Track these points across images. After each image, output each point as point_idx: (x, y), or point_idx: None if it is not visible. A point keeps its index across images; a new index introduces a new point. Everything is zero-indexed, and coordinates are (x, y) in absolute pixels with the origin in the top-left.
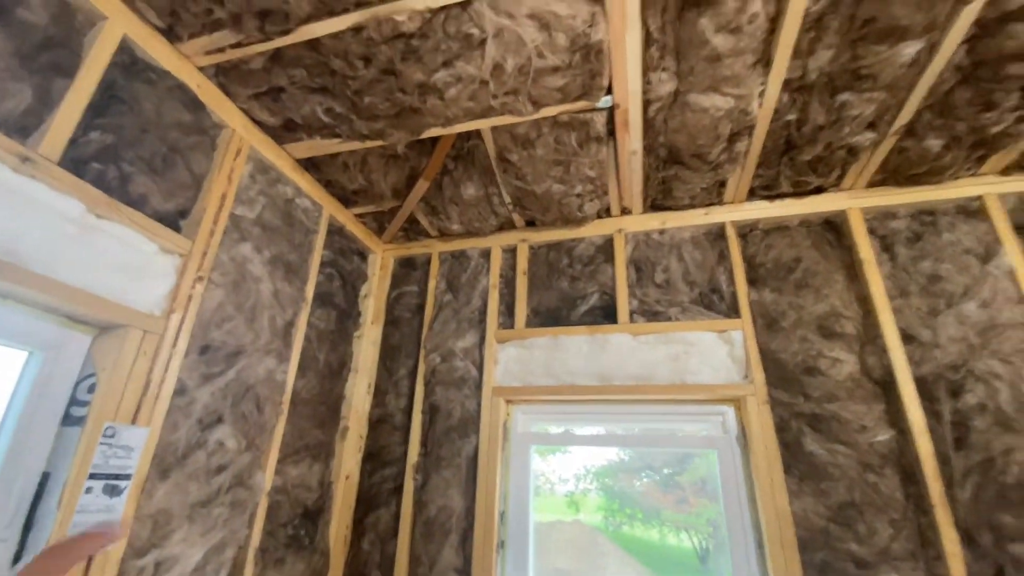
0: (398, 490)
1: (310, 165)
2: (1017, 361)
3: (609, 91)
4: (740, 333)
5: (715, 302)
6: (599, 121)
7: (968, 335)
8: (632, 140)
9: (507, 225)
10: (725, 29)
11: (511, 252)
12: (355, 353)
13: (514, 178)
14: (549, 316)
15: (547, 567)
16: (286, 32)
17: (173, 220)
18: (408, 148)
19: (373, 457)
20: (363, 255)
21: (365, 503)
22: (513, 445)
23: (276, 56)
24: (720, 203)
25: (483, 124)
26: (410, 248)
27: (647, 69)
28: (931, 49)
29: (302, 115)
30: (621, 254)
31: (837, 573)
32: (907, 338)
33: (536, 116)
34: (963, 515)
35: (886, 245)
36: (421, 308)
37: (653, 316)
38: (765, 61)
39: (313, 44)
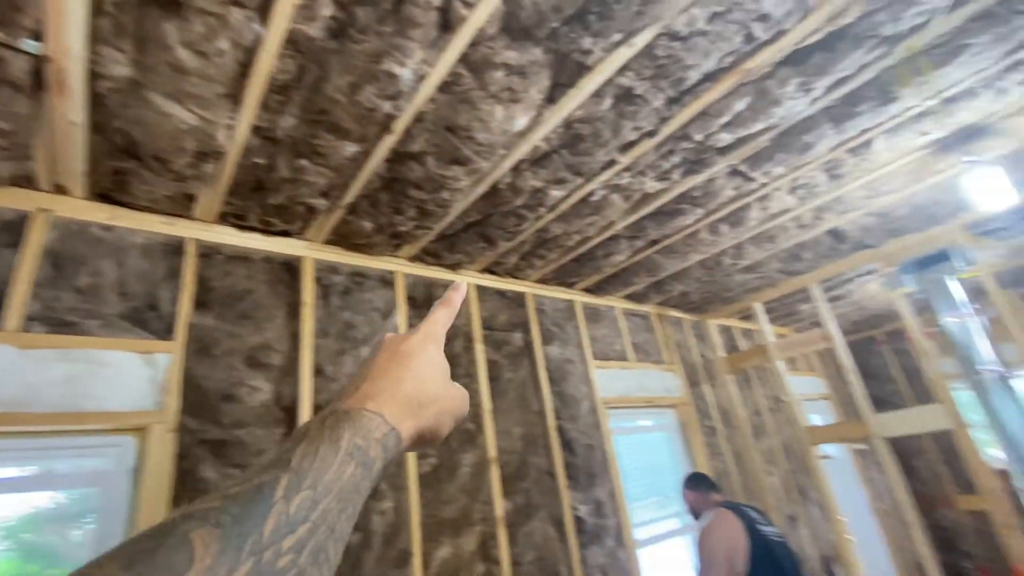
0: None
1: None
2: None
3: (39, 39)
4: (169, 356)
5: (149, 320)
6: (18, 65)
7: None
8: (71, 109)
9: None
10: (192, 47)
11: None
12: None
13: None
14: None
15: None
16: None
17: None
18: None
19: None
20: None
21: None
22: None
23: None
24: (187, 217)
25: None
26: None
27: (97, 40)
28: (366, 154)
29: None
30: (37, 240)
31: None
32: (317, 371)
33: None
34: None
35: (324, 293)
36: None
37: (61, 326)
38: (235, 99)
39: None
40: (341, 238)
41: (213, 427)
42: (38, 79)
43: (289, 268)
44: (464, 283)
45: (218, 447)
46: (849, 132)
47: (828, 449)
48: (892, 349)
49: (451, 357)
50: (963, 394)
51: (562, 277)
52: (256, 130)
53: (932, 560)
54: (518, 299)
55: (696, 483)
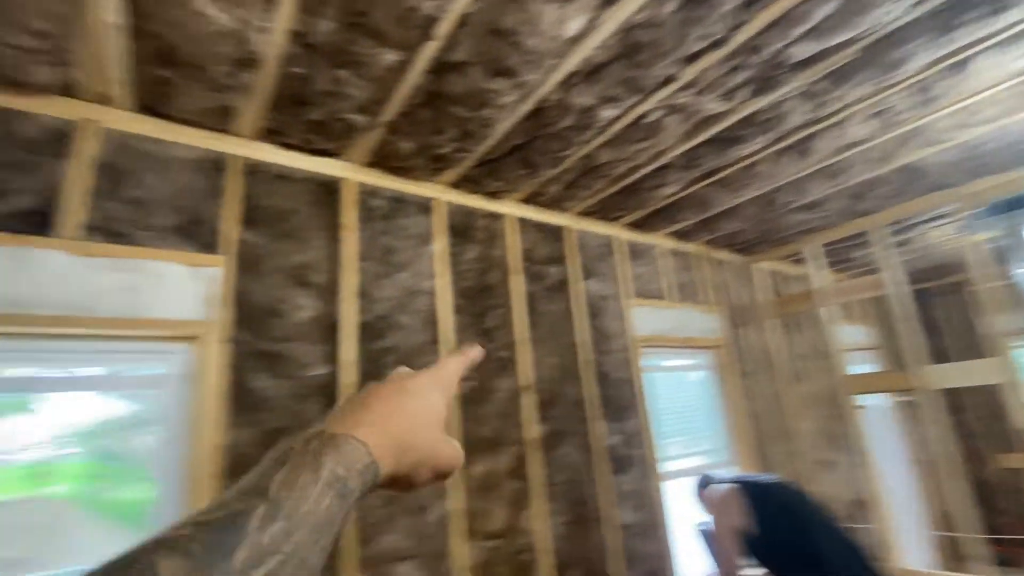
0: None
1: None
2: (419, 317)
3: None
4: (217, 270)
5: (198, 234)
6: None
7: (398, 295)
8: (106, 8)
9: None
10: None
11: None
12: None
13: None
14: None
15: None
16: None
17: None
18: None
19: None
20: None
21: None
22: None
23: None
24: (232, 133)
25: None
26: None
27: None
28: (406, 64)
29: None
30: (88, 151)
31: None
32: (361, 293)
33: None
34: None
35: (365, 217)
36: None
37: (115, 237)
38: None
39: None
40: (381, 160)
41: (262, 340)
42: None
43: (330, 189)
44: (480, 350)
45: (267, 358)
46: (947, 47)
47: (868, 399)
48: (945, 302)
49: (488, 288)
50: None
51: (605, 210)
52: (294, 36)
53: (969, 513)
54: (558, 232)
55: (708, 484)
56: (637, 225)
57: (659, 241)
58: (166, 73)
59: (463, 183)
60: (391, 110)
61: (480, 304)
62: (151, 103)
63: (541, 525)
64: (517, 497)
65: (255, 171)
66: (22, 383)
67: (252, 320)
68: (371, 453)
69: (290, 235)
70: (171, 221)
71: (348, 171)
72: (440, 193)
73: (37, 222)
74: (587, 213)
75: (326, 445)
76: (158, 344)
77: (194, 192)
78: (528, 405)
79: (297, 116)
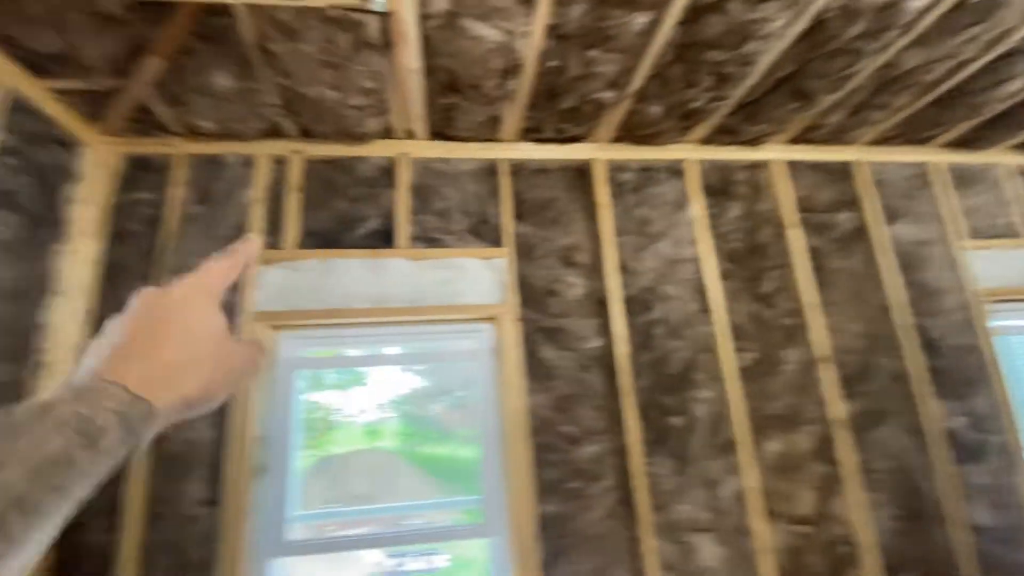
0: None
1: None
2: (686, 286)
3: None
4: (503, 261)
5: (484, 232)
6: (373, 26)
7: (659, 266)
8: (410, 56)
9: (277, 132)
10: None
11: (281, 164)
12: (57, 272)
13: (280, 75)
14: (323, 237)
15: (346, 494)
16: None
17: None
18: (129, 11)
19: None
20: (68, 146)
21: None
22: (276, 371)
23: None
24: (497, 140)
25: None
26: (144, 145)
27: None
28: (656, 23)
29: None
30: (405, 179)
31: (554, 449)
32: (622, 267)
33: (299, 3)
34: (641, 398)
35: (617, 192)
36: (158, 220)
37: (431, 243)
38: (529, 2)
39: None
40: (626, 133)
41: (544, 317)
42: (385, 35)
43: (582, 173)
44: (257, 239)
45: (551, 333)
46: None
47: None
48: None
49: (759, 248)
50: None
51: (911, 132)
52: (549, 31)
53: None
54: (843, 170)
55: None
56: (962, 143)
57: (1000, 159)
58: (451, 100)
59: (715, 136)
60: (639, 77)
61: (751, 267)
62: (440, 129)
63: (861, 516)
64: (826, 482)
65: (519, 169)
66: (366, 360)
67: (534, 300)
68: (131, 391)
69: (554, 221)
70: (465, 223)
71: (596, 151)
72: (690, 153)
73: (383, 238)
74: (883, 140)
75: (66, 389)
76: (467, 325)
77: (478, 197)
78: (828, 379)
79: (550, 109)
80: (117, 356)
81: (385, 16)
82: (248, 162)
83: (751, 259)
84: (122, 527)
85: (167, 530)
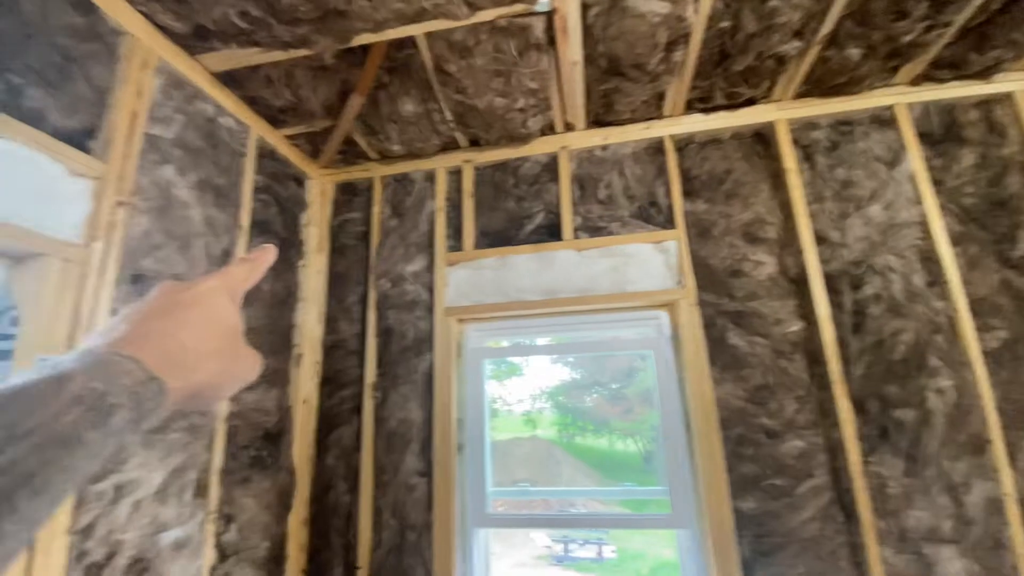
0: (358, 409)
1: (230, 80)
2: (909, 255)
3: None
4: (675, 243)
5: (653, 215)
6: (538, 27)
7: (871, 234)
8: (572, 49)
9: (451, 145)
10: None
11: (456, 174)
12: (301, 282)
13: (454, 91)
14: (497, 237)
15: (508, 478)
16: None
17: (79, 140)
18: (337, 59)
19: (330, 381)
20: (299, 180)
21: (327, 423)
22: (466, 360)
23: None
24: (659, 117)
25: (416, 29)
26: (350, 172)
27: None
28: None
29: (213, 19)
30: (566, 172)
31: (751, 443)
32: (820, 239)
33: (472, 20)
34: (856, 388)
35: (807, 154)
36: (366, 235)
37: (596, 231)
38: None
39: None
40: (814, 85)
41: (728, 300)
42: (549, 34)
43: (760, 137)
44: (274, 248)
45: (738, 317)
46: None
47: None
48: None
49: (1004, 202)
50: None
51: None
52: None
53: None
54: None
55: None
56: None
57: None
58: (612, 84)
59: (932, 73)
60: (832, 17)
61: (996, 226)
62: (598, 116)
63: None
64: None
65: (686, 144)
66: (542, 349)
67: (714, 283)
68: (147, 369)
69: (732, 195)
70: (631, 208)
71: (776, 112)
72: (899, 97)
73: (550, 232)
74: None
75: (83, 358)
76: (642, 312)
77: (643, 179)
78: None
79: (720, 74)
80: (136, 332)
81: (550, 14)
82: (430, 176)
83: (994, 216)
84: (358, 490)
85: (392, 495)
